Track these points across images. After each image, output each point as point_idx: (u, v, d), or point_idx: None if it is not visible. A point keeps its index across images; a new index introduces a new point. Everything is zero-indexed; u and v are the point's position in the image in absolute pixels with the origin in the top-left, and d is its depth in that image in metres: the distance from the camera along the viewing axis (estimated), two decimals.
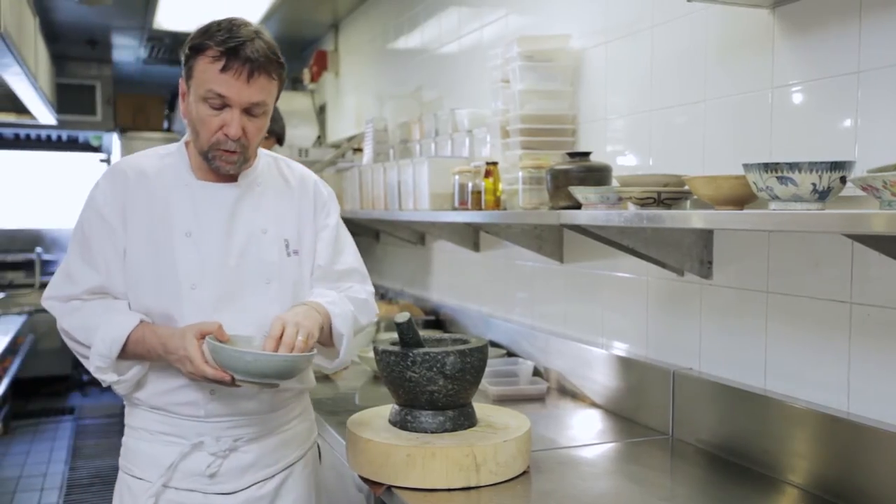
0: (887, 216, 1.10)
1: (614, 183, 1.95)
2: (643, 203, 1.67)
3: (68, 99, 6.64)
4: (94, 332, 1.61)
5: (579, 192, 1.85)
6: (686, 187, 1.63)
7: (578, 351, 2.32)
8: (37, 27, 4.55)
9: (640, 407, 2.06)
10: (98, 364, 1.61)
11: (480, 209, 2.40)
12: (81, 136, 7.58)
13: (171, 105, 6.28)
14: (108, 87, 7.09)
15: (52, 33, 5.71)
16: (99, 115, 7.11)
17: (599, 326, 2.30)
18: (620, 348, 2.20)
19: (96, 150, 7.64)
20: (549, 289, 2.56)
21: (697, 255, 1.87)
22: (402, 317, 1.68)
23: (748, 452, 1.71)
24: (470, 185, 2.45)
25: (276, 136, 3.22)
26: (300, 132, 4.87)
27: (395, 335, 1.75)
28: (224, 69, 1.55)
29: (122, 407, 1.77)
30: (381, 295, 3.98)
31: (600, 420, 2.11)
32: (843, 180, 1.25)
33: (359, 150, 3.83)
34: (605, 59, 2.22)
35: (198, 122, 1.61)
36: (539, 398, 2.32)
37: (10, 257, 7.05)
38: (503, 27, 2.79)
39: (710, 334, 1.89)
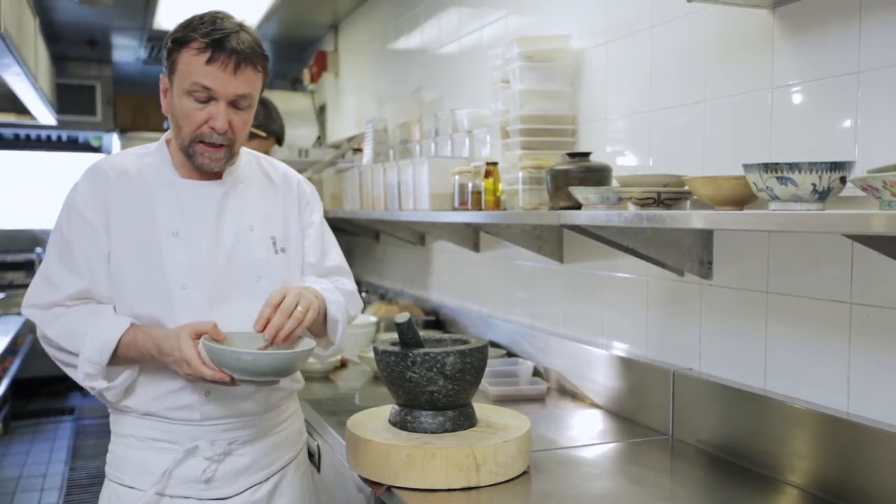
0: (887, 216, 1.10)
1: (614, 183, 1.95)
2: (643, 203, 1.67)
3: (68, 99, 6.64)
4: (82, 338, 1.56)
5: (579, 193, 1.85)
6: (686, 187, 1.63)
7: (578, 351, 2.32)
8: (37, 27, 4.56)
9: (640, 407, 2.06)
10: (88, 371, 1.56)
11: (480, 209, 2.40)
12: (81, 136, 7.58)
13: None
14: (108, 88, 7.10)
15: (52, 33, 5.71)
16: (99, 115, 7.11)
17: (599, 327, 2.30)
18: (620, 348, 2.20)
19: (96, 150, 7.64)
20: (549, 289, 2.56)
21: (697, 255, 1.87)
22: (402, 317, 1.68)
23: (748, 453, 1.71)
24: (470, 185, 2.45)
25: (276, 136, 3.22)
26: (300, 133, 4.87)
27: (395, 335, 1.75)
28: (210, 61, 1.53)
29: None
30: (381, 295, 3.98)
31: (600, 420, 2.11)
32: (843, 181, 1.25)
33: (359, 150, 3.83)
34: (605, 59, 2.22)
35: (181, 116, 1.58)
36: (539, 398, 2.32)
37: (10, 257, 7.05)
38: (503, 27, 2.79)
39: (710, 334, 1.89)
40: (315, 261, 1.79)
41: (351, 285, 1.85)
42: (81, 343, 1.56)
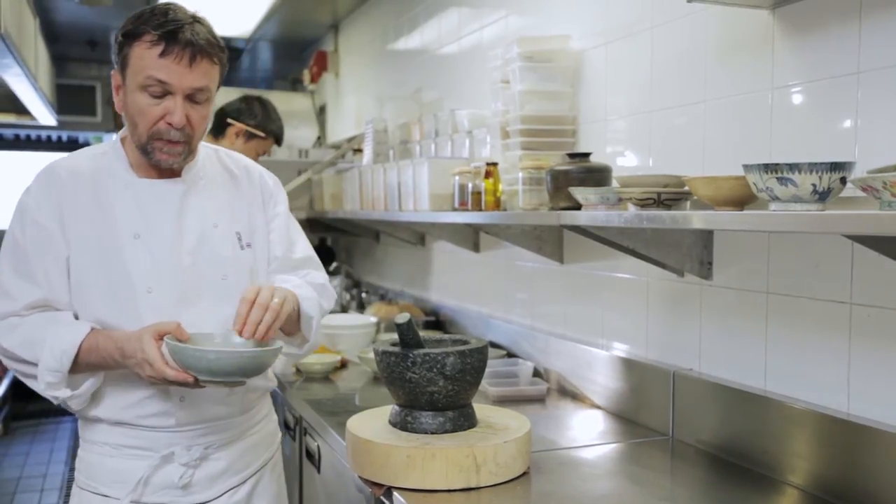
0: (887, 217, 1.10)
1: (614, 184, 1.95)
2: (643, 204, 1.67)
3: (68, 100, 6.64)
4: (41, 346, 1.50)
5: (579, 193, 1.85)
6: (686, 188, 1.63)
7: (578, 352, 2.32)
8: (37, 28, 4.56)
9: (640, 408, 2.05)
10: (48, 380, 1.50)
11: (480, 210, 2.40)
12: (81, 136, 7.58)
13: None
14: (108, 88, 7.08)
15: (53, 34, 5.71)
16: (99, 115, 7.11)
17: (599, 327, 2.30)
18: (620, 349, 2.20)
19: None
20: (549, 289, 2.56)
21: (697, 255, 1.87)
22: (403, 317, 1.68)
23: (748, 453, 1.71)
24: (470, 185, 2.45)
25: (274, 136, 3.23)
26: (300, 133, 4.87)
27: (395, 336, 1.75)
28: (163, 54, 1.47)
29: None
30: (381, 295, 3.98)
31: (600, 421, 2.11)
32: (843, 181, 1.25)
33: (359, 150, 3.83)
34: (605, 59, 2.22)
35: (136, 113, 1.52)
36: (539, 399, 2.32)
37: None
38: (503, 28, 2.79)
39: (710, 335, 1.88)
40: (281, 254, 1.74)
41: (322, 277, 1.81)
42: (40, 351, 1.50)
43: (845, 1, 1.50)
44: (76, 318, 1.58)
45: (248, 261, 1.69)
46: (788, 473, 1.61)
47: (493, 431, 1.66)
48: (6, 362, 1.59)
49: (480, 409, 1.78)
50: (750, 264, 1.76)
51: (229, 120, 3.13)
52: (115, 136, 1.67)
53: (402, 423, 1.67)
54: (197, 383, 1.45)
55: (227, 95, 3.44)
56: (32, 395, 1.67)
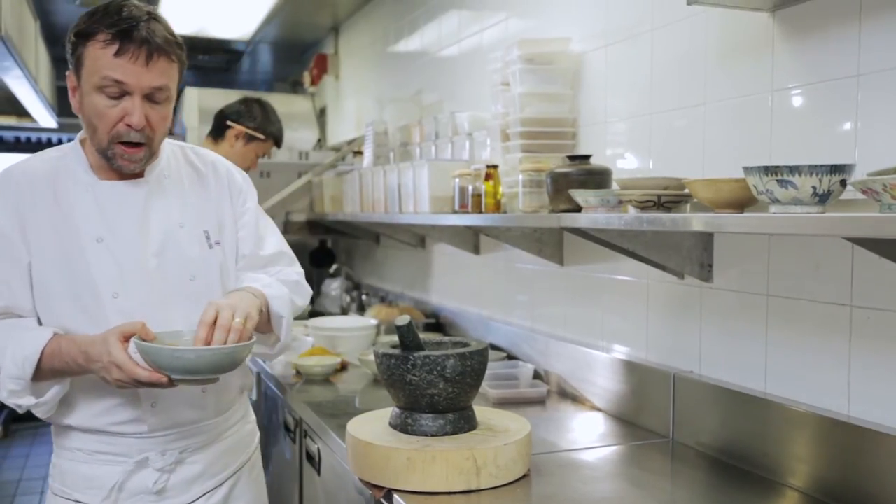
0: (887, 219, 1.10)
1: (614, 186, 1.95)
2: (643, 206, 1.67)
3: (69, 102, 6.62)
4: (2, 354, 1.46)
5: (579, 195, 1.85)
6: (686, 190, 1.64)
7: (579, 354, 2.32)
8: (37, 30, 4.56)
9: (640, 410, 2.05)
10: (11, 388, 1.46)
11: (480, 212, 2.40)
12: None
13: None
14: None
15: (53, 36, 5.71)
16: None
17: (600, 329, 2.30)
18: (621, 351, 2.20)
19: None
20: (550, 292, 2.56)
21: (698, 258, 1.87)
22: (403, 320, 1.68)
23: (748, 455, 1.71)
24: (470, 188, 2.45)
25: (274, 138, 3.23)
26: (300, 135, 4.87)
27: (395, 338, 1.74)
28: (118, 53, 1.43)
29: None
30: (382, 298, 3.98)
31: (601, 423, 2.11)
32: (843, 183, 1.25)
33: (359, 153, 3.83)
34: (605, 62, 2.23)
35: (94, 115, 1.48)
36: (539, 401, 2.32)
37: None
38: (503, 30, 2.79)
39: (710, 337, 1.88)
40: (249, 252, 1.71)
41: (295, 274, 1.77)
42: (2, 358, 1.46)
43: (845, 3, 1.50)
44: (40, 324, 1.54)
45: (217, 259, 1.65)
46: (789, 476, 1.61)
47: (493, 434, 1.66)
48: None
49: (481, 411, 1.78)
50: (750, 267, 1.76)
51: (229, 122, 3.13)
52: (76, 137, 1.63)
53: (402, 426, 1.67)
54: (170, 383, 1.41)
55: (227, 97, 3.45)
56: None
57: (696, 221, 1.49)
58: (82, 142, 1.61)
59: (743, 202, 1.47)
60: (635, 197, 1.68)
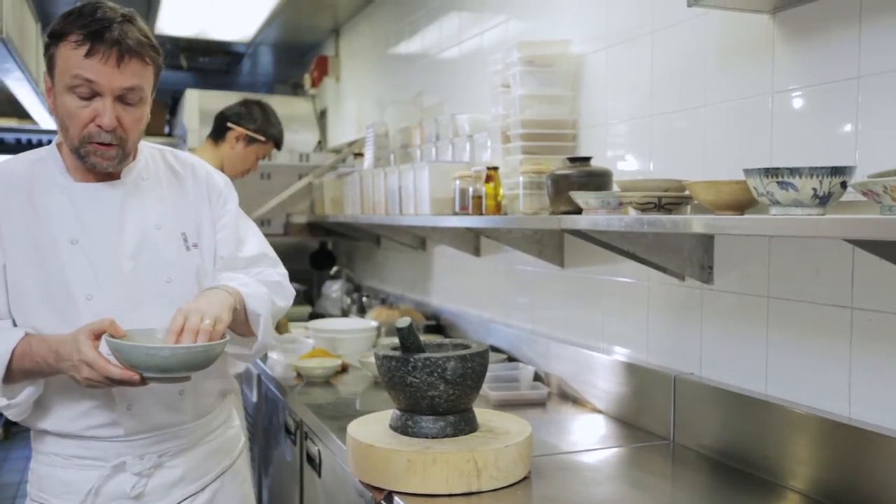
0: (888, 221, 1.10)
1: (615, 188, 1.95)
2: (644, 208, 1.67)
3: None
4: None
5: (580, 197, 1.85)
6: (687, 192, 1.63)
7: (579, 356, 2.32)
8: (38, 32, 4.56)
9: (641, 412, 2.05)
10: None
11: (481, 214, 2.40)
12: None
13: (173, 110, 6.29)
14: None
15: None
16: None
17: (600, 331, 2.30)
18: (621, 353, 2.20)
19: None
20: (550, 294, 2.56)
21: (698, 260, 1.87)
22: (403, 322, 1.68)
23: (749, 458, 1.70)
24: (471, 189, 2.45)
25: (274, 140, 3.23)
26: (301, 137, 4.88)
27: (395, 340, 1.74)
28: (89, 54, 1.42)
29: None
30: (382, 300, 3.98)
31: (601, 425, 2.11)
32: (843, 185, 1.25)
33: (359, 154, 3.83)
34: (605, 64, 2.23)
35: (66, 116, 1.47)
36: (540, 403, 2.32)
37: None
38: (503, 32, 2.80)
39: (711, 339, 1.88)
40: (227, 254, 1.70)
41: (277, 275, 1.75)
42: None
43: (845, 5, 1.50)
44: (15, 326, 1.54)
45: (194, 262, 1.64)
46: (789, 478, 1.61)
47: (493, 436, 1.66)
48: None
49: (481, 413, 1.78)
50: (751, 268, 1.76)
51: (229, 124, 3.13)
52: (53, 141, 1.63)
53: (402, 428, 1.67)
54: (142, 381, 1.40)
55: (227, 99, 3.45)
56: None
57: (697, 223, 1.49)
58: (59, 145, 1.60)
59: (743, 204, 1.47)
60: (636, 199, 1.68)
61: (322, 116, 5.12)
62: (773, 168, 1.26)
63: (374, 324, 3.20)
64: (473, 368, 1.65)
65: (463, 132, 2.78)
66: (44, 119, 5.89)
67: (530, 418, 1.82)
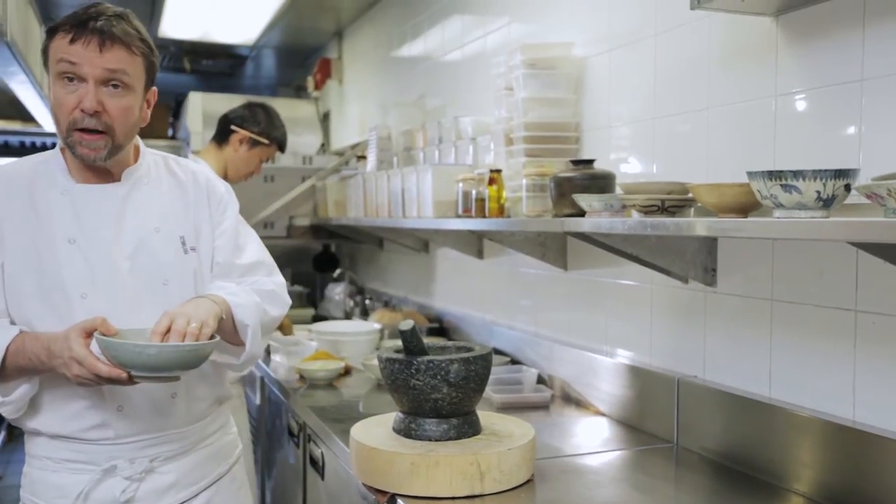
0: (892, 224, 1.10)
1: (618, 190, 1.95)
2: (647, 211, 1.67)
3: None
4: None
5: (583, 200, 1.85)
6: (690, 195, 1.63)
7: (582, 359, 2.31)
8: (42, 36, 4.58)
9: (644, 415, 2.05)
10: None
11: (484, 217, 2.40)
12: None
13: (176, 113, 6.30)
14: None
15: None
16: None
17: (603, 334, 2.30)
18: (625, 356, 2.20)
19: None
20: (553, 296, 2.56)
21: (702, 262, 1.87)
22: (407, 324, 1.68)
23: (753, 461, 1.70)
24: (474, 192, 2.45)
25: (278, 143, 3.23)
26: (304, 140, 4.88)
27: (399, 343, 1.74)
28: (73, 40, 1.47)
29: None
30: (385, 302, 3.98)
31: (605, 428, 2.11)
32: (847, 188, 1.25)
33: (362, 157, 3.84)
34: (608, 66, 2.23)
35: (56, 105, 1.51)
36: (543, 406, 2.32)
37: None
38: (506, 35, 2.80)
39: (714, 342, 1.88)
40: (223, 260, 1.71)
41: (271, 283, 1.75)
42: None
43: (849, 8, 1.50)
44: (12, 324, 1.55)
45: (191, 265, 1.65)
46: (794, 481, 1.60)
47: (497, 439, 1.66)
48: None
49: (484, 416, 1.78)
50: (754, 271, 1.75)
51: (233, 127, 3.13)
52: (57, 145, 1.65)
53: (406, 431, 1.67)
54: (130, 380, 1.41)
55: (230, 102, 3.45)
56: None
57: (700, 226, 1.49)
58: (63, 149, 1.62)
59: (747, 207, 1.47)
60: (639, 201, 1.67)
61: (325, 119, 5.13)
62: (777, 171, 1.26)
63: (378, 326, 3.20)
64: (477, 371, 1.65)
65: (466, 135, 2.78)
66: (47, 122, 5.90)
67: (533, 421, 1.81)
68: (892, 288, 1.45)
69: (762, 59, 1.70)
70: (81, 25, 1.48)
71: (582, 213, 1.90)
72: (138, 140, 1.70)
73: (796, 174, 1.24)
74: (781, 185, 1.26)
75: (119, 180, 1.62)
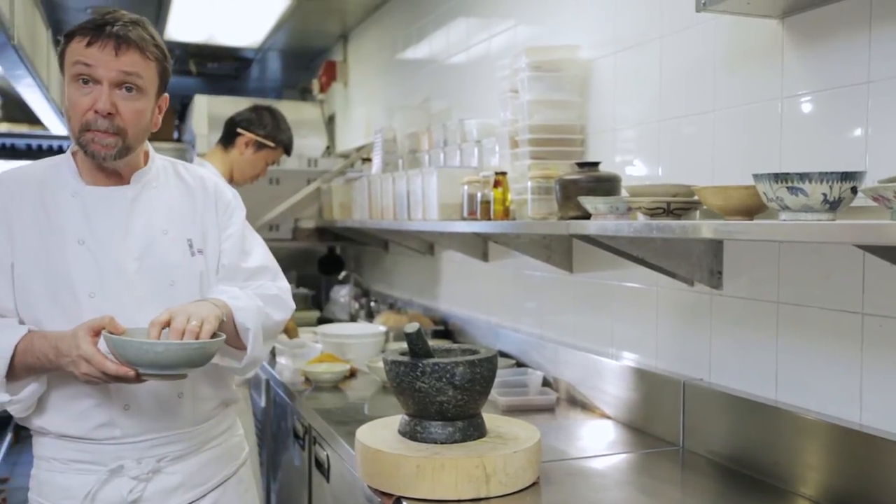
0: None
1: (623, 193, 1.94)
2: (652, 213, 1.67)
3: None
4: None
5: (588, 202, 1.85)
6: (696, 197, 1.63)
7: (588, 361, 2.31)
8: (49, 39, 4.60)
9: (650, 418, 2.05)
10: None
11: (489, 219, 2.40)
12: None
13: (182, 116, 6.32)
14: None
15: None
16: None
17: (609, 337, 2.30)
18: (630, 359, 2.20)
19: None
20: (559, 299, 2.55)
21: (707, 265, 1.86)
22: (412, 327, 1.68)
23: (759, 464, 1.70)
24: (479, 194, 2.45)
25: (284, 146, 3.24)
26: (309, 142, 4.89)
27: (404, 345, 1.75)
28: (89, 44, 1.50)
29: None
30: (390, 305, 3.98)
31: (610, 431, 2.10)
32: (853, 191, 1.24)
33: (368, 160, 3.84)
34: (613, 69, 2.23)
35: (70, 106, 1.54)
36: (548, 409, 2.32)
37: None
38: (511, 38, 2.80)
39: (720, 345, 1.88)
40: (229, 263, 1.72)
41: (275, 288, 1.77)
42: None
43: (855, 10, 1.50)
44: (21, 324, 1.57)
45: (198, 267, 1.67)
46: (800, 485, 1.60)
47: (502, 441, 1.66)
48: None
49: (490, 418, 1.78)
50: (760, 274, 1.75)
51: (239, 130, 3.14)
52: (69, 149, 1.68)
53: (411, 433, 1.67)
54: (138, 378, 1.43)
55: (236, 105, 3.46)
56: None
57: (706, 229, 1.49)
58: (74, 153, 1.65)
59: (753, 209, 1.47)
60: (644, 204, 1.67)
61: (330, 121, 5.14)
62: (783, 173, 1.26)
63: (383, 329, 3.20)
64: (482, 374, 1.65)
65: (471, 137, 2.78)
66: (54, 125, 5.93)
67: (539, 424, 1.81)
68: None
69: (768, 61, 1.70)
70: (98, 30, 1.51)
71: (587, 216, 1.90)
72: (148, 145, 1.72)
73: (802, 177, 1.24)
74: (787, 188, 1.25)
75: (128, 183, 1.64)
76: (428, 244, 3.58)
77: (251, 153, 3.15)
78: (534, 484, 1.64)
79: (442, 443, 1.64)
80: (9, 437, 5.61)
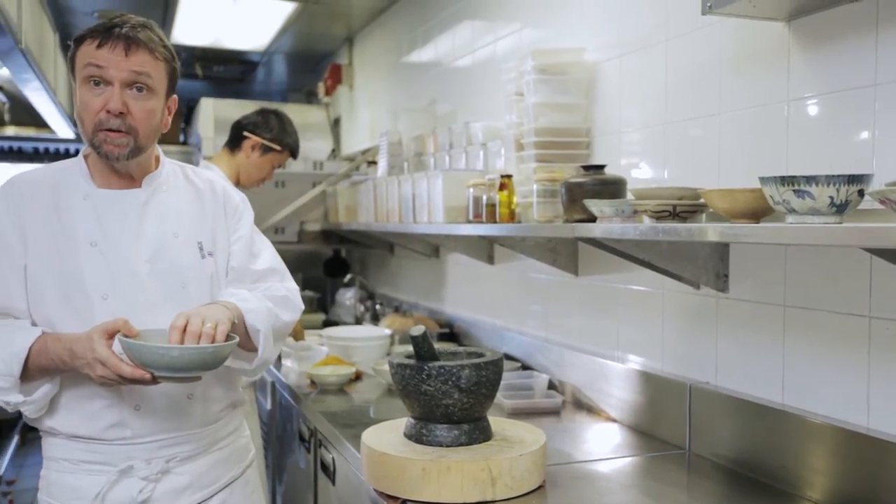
0: None
1: (629, 196, 1.94)
2: (658, 216, 1.67)
3: None
4: None
5: (594, 205, 1.85)
6: (702, 200, 1.63)
7: (594, 364, 2.31)
8: (56, 43, 4.62)
9: (656, 421, 2.04)
10: (0, 385, 1.51)
11: (495, 222, 2.40)
12: None
13: (188, 119, 6.34)
14: None
15: None
16: None
17: (615, 340, 2.29)
18: (636, 362, 2.19)
19: None
20: (564, 302, 2.55)
21: (713, 268, 1.86)
22: (418, 330, 1.68)
23: (765, 467, 1.69)
24: (484, 197, 2.45)
25: (290, 149, 3.24)
26: (314, 145, 4.90)
27: (410, 348, 1.75)
28: (100, 46, 1.53)
29: None
30: (396, 307, 3.98)
31: (616, 434, 2.10)
32: (860, 193, 1.24)
33: (373, 162, 3.84)
34: (619, 72, 2.23)
35: (81, 109, 1.56)
36: (554, 412, 2.31)
37: None
38: (517, 41, 2.80)
39: (726, 348, 1.87)
40: (238, 265, 1.74)
41: (284, 289, 1.78)
42: None
43: (861, 13, 1.50)
44: (34, 325, 1.59)
45: (209, 270, 1.69)
46: (806, 488, 1.59)
47: (508, 444, 1.66)
48: None
49: (495, 421, 1.78)
50: (767, 277, 1.75)
51: (245, 133, 3.15)
52: (80, 152, 1.70)
53: (417, 436, 1.67)
54: (153, 380, 1.45)
55: (242, 108, 3.47)
56: None
57: (712, 232, 1.48)
58: (86, 156, 1.67)
59: (759, 212, 1.46)
60: (650, 207, 1.67)
61: (336, 124, 5.15)
62: (790, 176, 1.25)
63: (388, 331, 3.20)
64: (488, 377, 1.65)
65: (476, 140, 2.78)
66: (61, 128, 5.95)
67: (545, 427, 1.81)
68: None
69: (774, 63, 1.70)
70: (108, 32, 1.53)
71: (593, 219, 1.90)
72: (158, 149, 1.74)
73: (809, 179, 1.23)
74: (794, 191, 1.25)
75: (140, 186, 1.66)
76: (433, 247, 3.58)
77: (257, 156, 3.16)
78: (539, 487, 1.64)
79: (448, 446, 1.64)
80: (15, 440, 5.63)
